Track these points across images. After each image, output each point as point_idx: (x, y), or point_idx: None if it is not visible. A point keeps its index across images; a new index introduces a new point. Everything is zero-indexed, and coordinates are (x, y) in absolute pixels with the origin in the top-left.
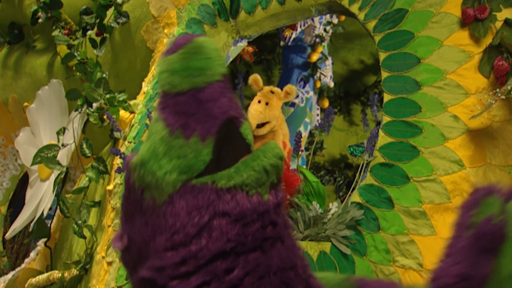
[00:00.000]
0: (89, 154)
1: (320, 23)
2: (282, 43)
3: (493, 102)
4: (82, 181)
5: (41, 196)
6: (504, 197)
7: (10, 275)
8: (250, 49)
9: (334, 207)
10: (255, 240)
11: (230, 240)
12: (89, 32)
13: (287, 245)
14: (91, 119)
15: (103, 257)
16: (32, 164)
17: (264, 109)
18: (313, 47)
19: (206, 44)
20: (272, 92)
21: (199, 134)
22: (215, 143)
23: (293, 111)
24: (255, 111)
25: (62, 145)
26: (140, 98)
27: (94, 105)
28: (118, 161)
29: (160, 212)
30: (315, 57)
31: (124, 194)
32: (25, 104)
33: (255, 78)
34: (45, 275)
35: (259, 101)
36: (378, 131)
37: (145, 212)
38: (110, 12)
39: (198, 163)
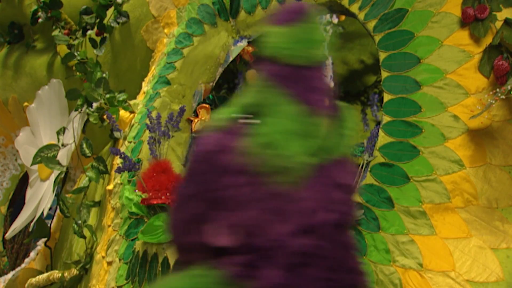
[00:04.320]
0: (89, 154)
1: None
2: None
3: (493, 102)
4: (82, 181)
5: (41, 196)
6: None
7: (10, 275)
8: (250, 49)
9: None
10: None
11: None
12: (89, 32)
13: None
14: (91, 119)
15: (103, 257)
16: (32, 164)
17: None
18: None
19: (314, 14)
20: None
21: (329, 114)
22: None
23: None
24: None
25: (62, 145)
26: (140, 98)
27: (94, 105)
28: (118, 161)
29: (289, 197)
30: None
31: (227, 182)
32: (25, 104)
33: (254, 74)
34: (45, 275)
35: None
36: (378, 131)
37: (263, 199)
38: (110, 12)
39: (330, 145)
